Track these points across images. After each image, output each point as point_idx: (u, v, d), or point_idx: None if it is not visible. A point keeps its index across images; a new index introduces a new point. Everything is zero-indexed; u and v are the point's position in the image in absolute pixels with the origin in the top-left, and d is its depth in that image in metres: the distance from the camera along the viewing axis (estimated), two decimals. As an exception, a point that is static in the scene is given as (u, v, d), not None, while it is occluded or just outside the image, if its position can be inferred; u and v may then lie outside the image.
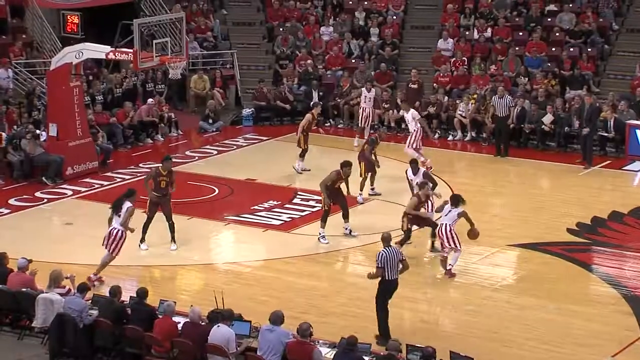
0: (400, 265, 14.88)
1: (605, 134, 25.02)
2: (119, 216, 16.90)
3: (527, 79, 27.69)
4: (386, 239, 15.01)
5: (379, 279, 14.78)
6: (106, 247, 16.93)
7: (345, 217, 19.22)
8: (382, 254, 14.73)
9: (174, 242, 18.57)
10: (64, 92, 22.89)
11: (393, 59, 29.85)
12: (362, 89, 26.52)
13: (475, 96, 26.75)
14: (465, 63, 28.79)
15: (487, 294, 16.69)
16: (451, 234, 17.33)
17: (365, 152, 21.40)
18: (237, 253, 19.17)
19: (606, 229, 19.93)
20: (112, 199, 21.41)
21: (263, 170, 23.97)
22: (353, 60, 30.15)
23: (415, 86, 27.73)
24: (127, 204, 16.90)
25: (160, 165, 18.88)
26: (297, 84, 29.42)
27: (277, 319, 13.09)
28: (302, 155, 23.28)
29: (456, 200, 17.65)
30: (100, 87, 26.94)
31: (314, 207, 20.91)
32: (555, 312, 15.96)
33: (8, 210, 21.00)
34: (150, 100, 27.10)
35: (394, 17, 31.03)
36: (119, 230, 16.88)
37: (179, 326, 13.51)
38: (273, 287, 16.88)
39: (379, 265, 14.72)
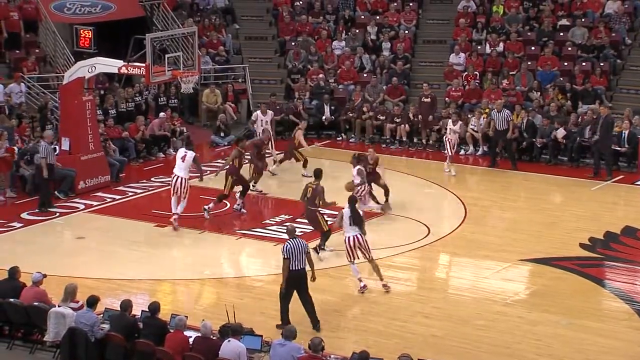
0: (306, 258, 15.47)
1: (618, 148, 24.98)
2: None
3: (539, 93, 27.67)
4: (291, 232, 15.72)
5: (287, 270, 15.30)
6: None
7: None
8: (287, 246, 15.34)
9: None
10: (77, 107, 22.97)
11: (405, 73, 29.87)
12: (257, 112, 25.63)
13: (487, 111, 26.72)
14: (477, 77, 28.79)
15: (499, 309, 16.63)
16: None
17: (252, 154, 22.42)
18: (249, 267, 19.17)
19: (619, 244, 19.85)
20: (124, 213, 21.72)
21: (275, 184, 23.99)
22: (365, 75, 30.19)
23: (428, 100, 27.73)
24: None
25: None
26: (309, 98, 29.48)
27: (290, 334, 13.06)
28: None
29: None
30: (114, 101, 27.03)
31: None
32: (568, 327, 15.89)
33: (20, 224, 21.04)
34: (162, 114, 27.16)
35: (406, 32, 31.05)
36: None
37: (190, 341, 13.50)
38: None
39: (285, 257, 15.27)
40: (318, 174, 19.11)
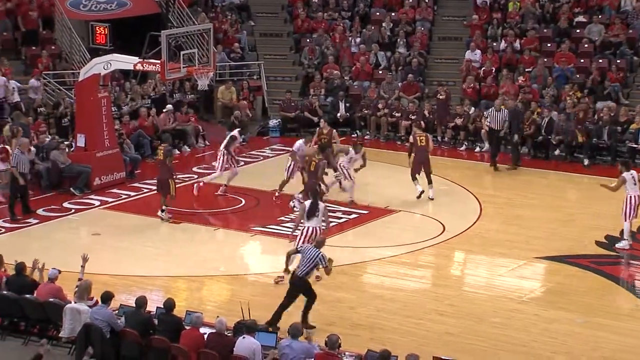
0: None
1: (635, 145, 24.86)
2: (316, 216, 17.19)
3: (555, 90, 27.55)
4: (320, 243, 15.98)
5: None
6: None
7: None
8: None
9: None
10: (92, 103, 23.01)
11: (420, 70, 29.79)
12: (235, 131, 23.77)
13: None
14: (493, 73, 28.68)
15: (515, 306, 16.58)
16: None
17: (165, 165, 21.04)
18: (264, 264, 19.15)
19: (635, 241, 19.75)
20: (139, 209, 21.74)
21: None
22: (380, 72, 30.12)
23: (443, 97, 27.65)
24: (321, 205, 17.35)
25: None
26: (324, 95, 29.43)
27: (297, 332, 13.04)
28: None
29: None
30: (128, 98, 27.07)
31: (341, 218, 20.89)
32: (584, 325, 15.83)
33: (36, 221, 21.10)
34: (169, 106, 27.07)
35: (422, 28, 30.97)
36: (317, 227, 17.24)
37: (205, 337, 13.49)
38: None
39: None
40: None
